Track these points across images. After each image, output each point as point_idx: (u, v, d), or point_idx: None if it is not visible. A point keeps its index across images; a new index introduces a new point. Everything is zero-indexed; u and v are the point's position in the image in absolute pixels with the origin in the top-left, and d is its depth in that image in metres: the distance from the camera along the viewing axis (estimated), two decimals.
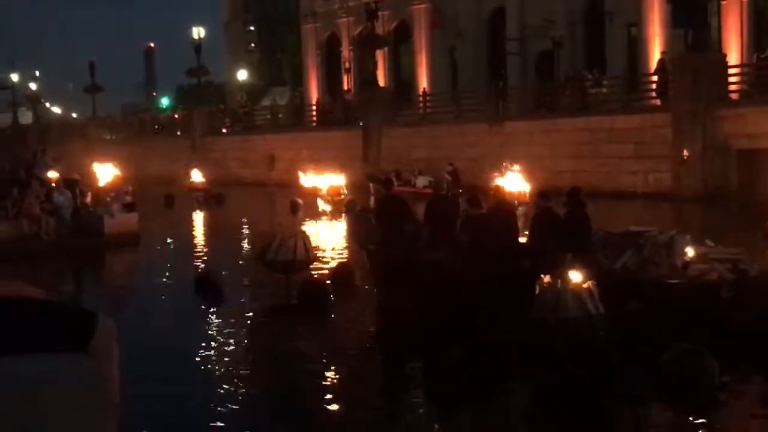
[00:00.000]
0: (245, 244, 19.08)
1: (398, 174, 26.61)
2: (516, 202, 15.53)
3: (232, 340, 9.42)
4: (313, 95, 45.07)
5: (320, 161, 30.47)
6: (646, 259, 9.26)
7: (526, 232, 10.62)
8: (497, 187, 12.49)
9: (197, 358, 8.63)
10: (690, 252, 9.36)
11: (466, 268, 9.66)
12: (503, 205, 10.79)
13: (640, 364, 7.54)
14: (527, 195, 18.24)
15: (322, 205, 24.78)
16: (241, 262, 16.06)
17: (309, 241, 12.04)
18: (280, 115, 42.09)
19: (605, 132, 26.29)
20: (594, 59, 32.76)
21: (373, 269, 11.19)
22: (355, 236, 12.98)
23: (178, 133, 46.72)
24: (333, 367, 8.20)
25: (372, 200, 24.37)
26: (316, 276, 12.44)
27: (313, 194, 25.39)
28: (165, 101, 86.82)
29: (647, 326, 8.32)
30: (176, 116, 50.50)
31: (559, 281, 8.31)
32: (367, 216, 12.17)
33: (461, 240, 10.15)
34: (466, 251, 9.92)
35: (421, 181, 26.85)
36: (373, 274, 11.28)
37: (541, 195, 10.90)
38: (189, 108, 48.80)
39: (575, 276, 8.35)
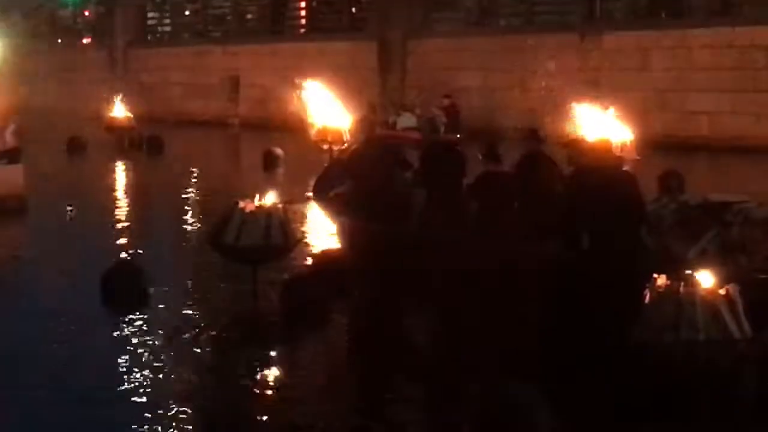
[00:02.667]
0: (190, 217, 19.15)
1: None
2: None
3: (155, 371, 9.45)
4: None
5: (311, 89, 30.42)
6: (734, 244, 9.25)
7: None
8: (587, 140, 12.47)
9: (99, 393, 8.74)
10: None
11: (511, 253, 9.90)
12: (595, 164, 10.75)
13: None
14: (632, 148, 18.17)
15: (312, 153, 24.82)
16: (182, 245, 16.12)
17: (289, 215, 12.11)
18: (249, 16, 42.05)
19: (762, 51, 26.11)
20: None
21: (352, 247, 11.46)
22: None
23: (88, 40, 46.72)
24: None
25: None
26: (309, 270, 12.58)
27: (302, 140, 25.36)
28: None
29: None
30: (86, 14, 50.56)
31: (683, 285, 8.32)
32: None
33: (468, 208, 10.63)
34: (476, 223, 10.43)
35: (404, 121, 26.97)
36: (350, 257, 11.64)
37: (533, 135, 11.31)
38: (107, 3, 48.81)
39: (707, 278, 8.34)
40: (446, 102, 27.35)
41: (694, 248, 9.30)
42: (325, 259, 12.82)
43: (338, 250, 12.94)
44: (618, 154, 16.54)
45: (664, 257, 9.23)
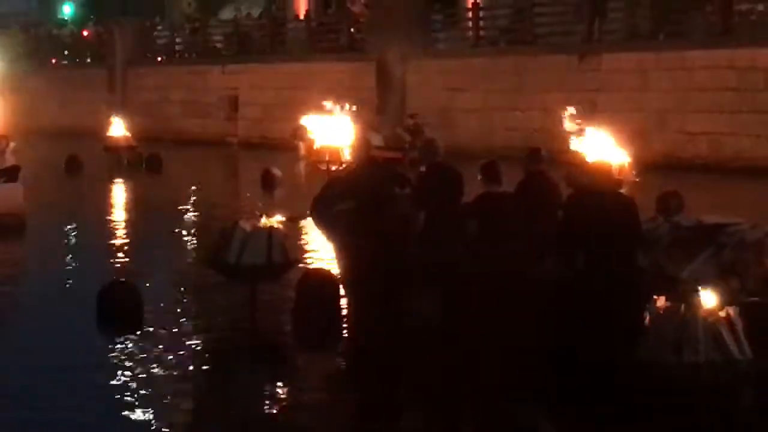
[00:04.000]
0: (188, 237, 19.15)
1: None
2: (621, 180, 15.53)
3: (150, 390, 9.44)
4: (301, 5, 45.10)
5: (310, 108, 30.47)
6: (726, 266, 9.26)
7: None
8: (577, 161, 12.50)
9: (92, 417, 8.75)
10: None
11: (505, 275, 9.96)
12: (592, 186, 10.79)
13: None
14: (631, 169, 18.18)
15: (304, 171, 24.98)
16: (180, 264, 16.09)
17: (286, 234, 12.13)
18: (248, 36, 42.11)
19: (762, 72, 26.15)
20: None
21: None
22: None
23: (89, 60, 46.81)
24: None
25: (301, 166, 27.24)
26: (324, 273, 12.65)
27: (300, 159, 25.44)
28: (68, 10, 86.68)
29: None
30: (85, 34, 50.64)
31: (683, 306, 8.34)
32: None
33: (467, 228, 10.67)
34: (474, 244, 10.49)
35: (373, 141, 27.33)
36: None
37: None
38: (106, 22, 48.90)
39: (708, 299, 8.37)
40: (411, 122, 28.15)
41: (688, 269, 9.31)
42: (323, 278, 12.82)
43: (336, 269, 12.95)
44: (617, 175, 16.59)
45: (658, 278, 9.24)
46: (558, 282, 9.68)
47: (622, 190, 15.07)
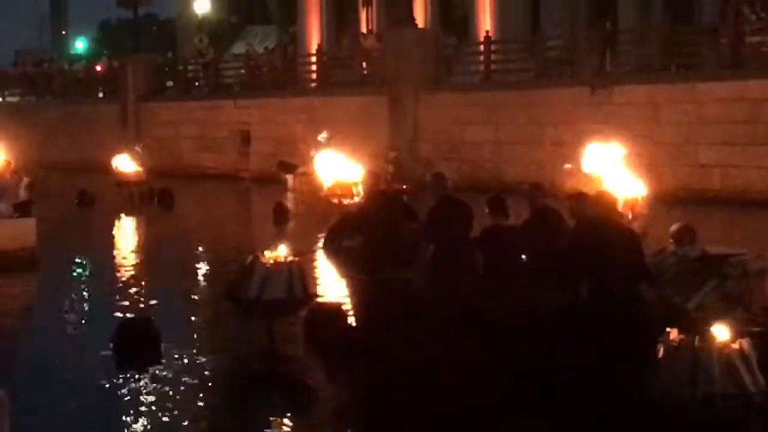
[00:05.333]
0: (201, 272, 19.20)
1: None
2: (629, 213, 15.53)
3: (167, 428, 9.48)
4: (313, 40, 45.31)
5: (322, 143, 30.60)
6: (731, 296, 9.30)
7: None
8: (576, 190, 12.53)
9: None
10: None
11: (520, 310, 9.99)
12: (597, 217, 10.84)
13: None
14: (643, 203, 18.16)
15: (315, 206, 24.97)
16: (194, 299, 16.16)
17: (304, 268, 12.26)
18: (261, 70, 42.30)
19: None
20: None
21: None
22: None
23: (101, 95, 47.03)
24: None
25: (289, 197, 28.78)
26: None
27: (311, 194, 25.46)
28: (81, 45, 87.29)
29: None
30: (98, 69, 50.93)
31: (697, 338, 8.34)
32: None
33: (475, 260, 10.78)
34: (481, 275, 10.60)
35: None
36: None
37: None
38: (118, 56, 49.19)
39: (721, 331, 8.38)
40: (392, 155, 29.42)
41: (693, 300, 9.36)
42: (336, 312, 12.88)
43: (348, 302, 13.01)
44: (627, 207, 16.60)
45: (664, 309, 9.28)
46: (562, 313, 9.73)
47: (636, 223, 15.13)
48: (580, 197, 11.57)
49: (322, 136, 25.69)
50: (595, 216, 10.51)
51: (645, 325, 9.09)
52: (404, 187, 23.30)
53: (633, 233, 10.50)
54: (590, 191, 12.49)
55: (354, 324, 12.13)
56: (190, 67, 45.76)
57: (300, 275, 12.02)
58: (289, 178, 31.80)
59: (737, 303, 9.26)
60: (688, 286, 9.53)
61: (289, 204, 26.01)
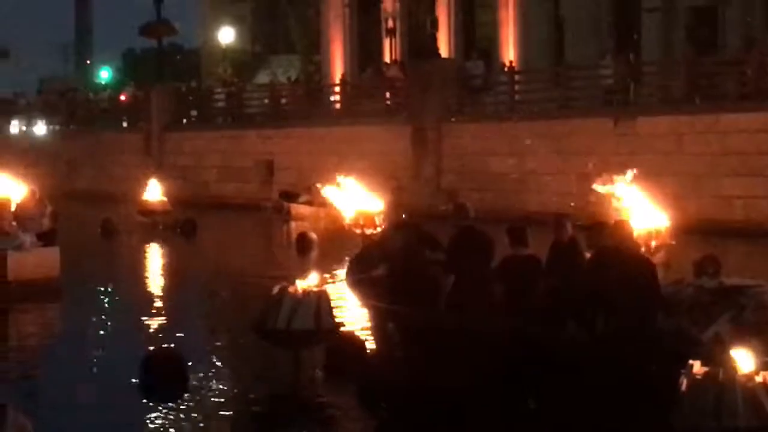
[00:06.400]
0: (226, 302, 19.22)
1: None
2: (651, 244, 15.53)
3: None
4: (337, 69, 45.47)
5: (345, 172, 30.69)
6: (747, 327, 9.29)
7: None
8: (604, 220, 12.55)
9: None
10: None
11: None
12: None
13: None
14: (666, 233, 18.16)
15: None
16: (220, 330, 16.16)
17: (331, 298, 12.35)
18: (284, 100, 42.49)
19: None
20: None
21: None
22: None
23: (125, 124, 47.28)
24: None
25: (286, 228, 29.63)
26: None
27: (334, 224, 25.47)
28: (105, 74, 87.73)
29: None
30: (122, 98, 51.22)
31: (721, 371, 8.33)
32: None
33: (494, 290, 10.79)
34: (498, 306, 10.65)
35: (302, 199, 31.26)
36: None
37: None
38: (143, 86, 49.45)
39: (745, 362, 8.36)
40: (394, 184, 29.06)
41: (710, 331, 9.37)
42: (358, 343, 12.92)
43: (369, 333, 13.07)
44: (649, 238, 16.61)
45: (679, 340, 9.29)
46: (580, 345, 9.76)
47: (659, 253, 15.13)
48: (597, 227, 11.60)
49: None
50: (612, 246, 10.54)
51: (662, 357, 9.10)
52: (403, 216, 23.24)
53: (649, 263, 10.51)
54: (609, 221, 12.55)
55: (374, 355, 12.16)
56: (215, 97, 45.98)
57: (328, 305, 12.09)
58: (292, 206, 32.39)
59: (753, 334, 9.24)
60: (704, 317, 9.54)
61: (313, 234, 26.01)
